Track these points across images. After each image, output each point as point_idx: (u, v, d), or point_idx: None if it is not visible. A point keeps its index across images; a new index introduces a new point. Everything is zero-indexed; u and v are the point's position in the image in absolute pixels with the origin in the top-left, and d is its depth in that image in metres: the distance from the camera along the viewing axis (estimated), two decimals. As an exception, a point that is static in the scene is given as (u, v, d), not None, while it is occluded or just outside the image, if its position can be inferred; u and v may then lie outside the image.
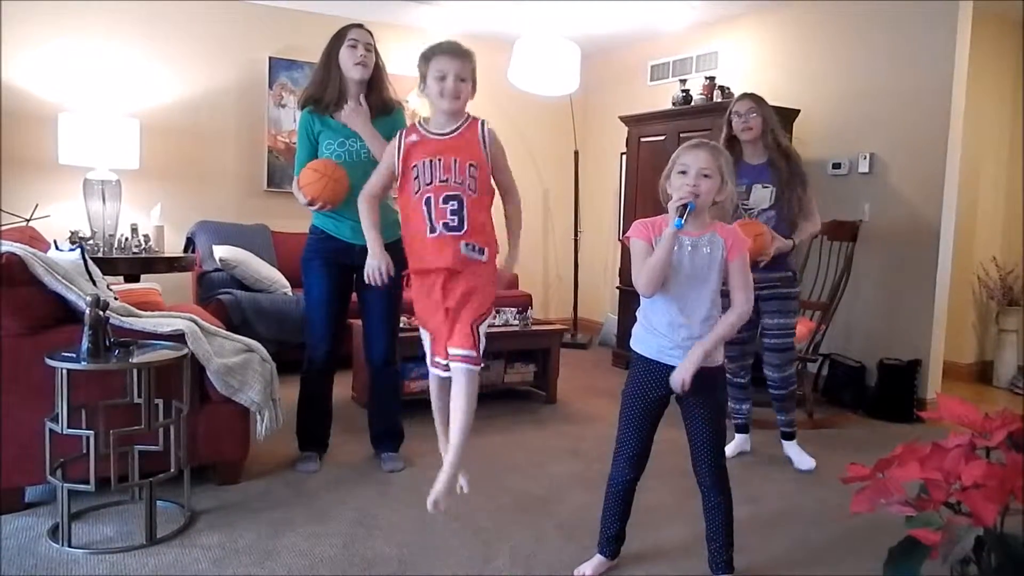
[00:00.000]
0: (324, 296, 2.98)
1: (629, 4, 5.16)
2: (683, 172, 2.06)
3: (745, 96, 3.30)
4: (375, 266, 2.42)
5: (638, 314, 2.18)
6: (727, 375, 3.14)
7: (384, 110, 2.97)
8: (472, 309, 2.26)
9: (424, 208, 2.24)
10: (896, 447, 1.36)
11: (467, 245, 2.25)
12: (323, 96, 2.93)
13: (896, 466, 1.32)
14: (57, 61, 4.80)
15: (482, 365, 2.30)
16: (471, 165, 2.26)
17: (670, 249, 2.01)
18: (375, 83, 2.96)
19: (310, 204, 2.82)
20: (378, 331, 3.04)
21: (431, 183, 2.24)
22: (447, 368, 2.30)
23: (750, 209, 3.20)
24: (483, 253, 2.29)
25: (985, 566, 1.28)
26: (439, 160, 2.25)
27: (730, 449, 3.20)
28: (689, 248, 2.06)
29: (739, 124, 3.23)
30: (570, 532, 2.52)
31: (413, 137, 2.30)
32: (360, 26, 2.95)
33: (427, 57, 2.29)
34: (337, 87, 2.92)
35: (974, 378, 5.18)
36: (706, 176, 2.03)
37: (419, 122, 2.34)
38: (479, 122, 2.33)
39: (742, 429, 3.46)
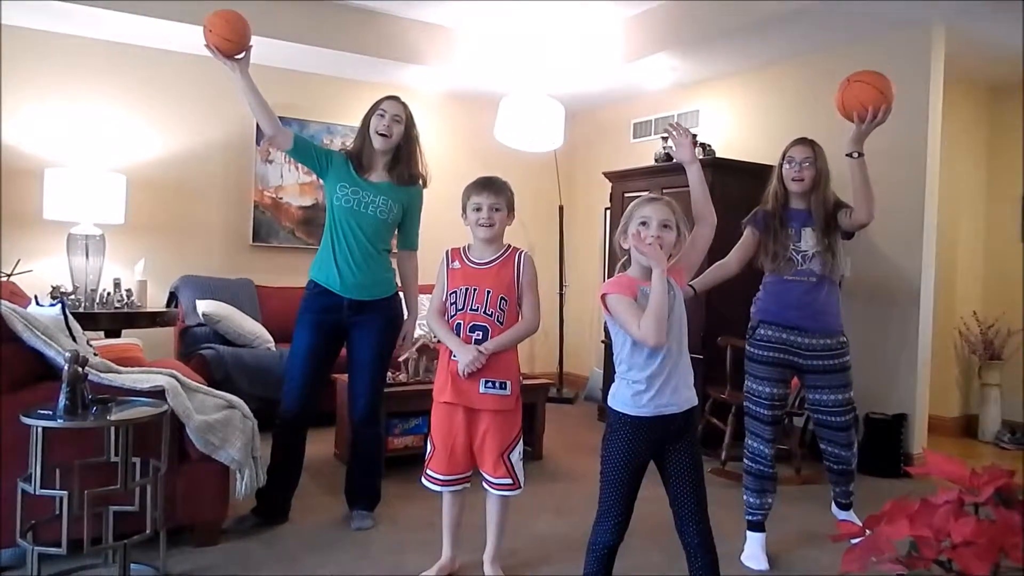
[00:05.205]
0: (306, 349, 2.96)
1: (612, 65, 5.30)
2: (644, 224, 2.09)
3: (802, 142, 2.91)
4: (466, 363, 2.39)
5: (621, 374, 2.10)
6: (752, 463, 2.88)
7: (403, 180, 3.01)
8: (495, 444, 2.44)
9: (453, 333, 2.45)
10: (885, 503, 1.35)
11: (487, 383, 2.42)
12: (353, 154, 3.01)
13: (885, 523, 1.30)
14: (45, 117, 4.83)
15: (518, 490, 2.48)
16: (502, 298, 2.43)
17: (666, 291, 2.01)
18: (402, 154, 3.00)
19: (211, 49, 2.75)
20: (362, 389, 3.00)
21: (463, 309, 2.43)
22: (433, 480, 2.48)
23: (803, 252, 2.86)
24: (504, 387, 2.45)
25: (978, 626, 1.26)
26: (474, 289, 2.43)
27: (755, 560, 2.78)
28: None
29: (790, 172, 2.87)
30: (557, 594, 2.47)
31: (456, 264, 2.49)
32: (395, 98, 3.01)
33: (467, 191, 2.49)
34: (365, 151, 2.99)
35: (960, 432, 5.18)
36: (666, 227, 2.08)
37: (463, 249, 2.51)
38: (517, 253, 2.49)
39: (759, 527, 2.86)
